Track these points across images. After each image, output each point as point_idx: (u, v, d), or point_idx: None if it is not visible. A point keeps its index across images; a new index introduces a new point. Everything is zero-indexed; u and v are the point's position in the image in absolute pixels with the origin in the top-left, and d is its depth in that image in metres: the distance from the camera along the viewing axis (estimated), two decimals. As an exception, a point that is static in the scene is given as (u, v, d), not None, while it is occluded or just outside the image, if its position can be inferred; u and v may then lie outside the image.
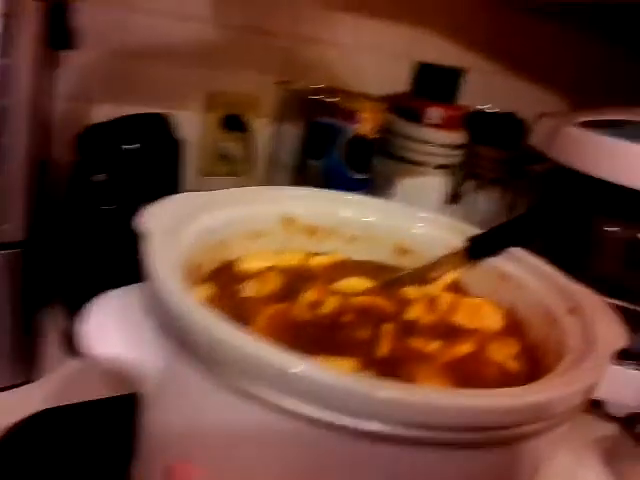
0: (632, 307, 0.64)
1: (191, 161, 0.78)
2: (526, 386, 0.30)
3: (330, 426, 0.27)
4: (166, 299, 0.31)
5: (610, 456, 0.59)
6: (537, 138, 0.74)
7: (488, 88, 0.97)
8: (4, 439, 0.47)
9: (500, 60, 0.98)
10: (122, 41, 0.68)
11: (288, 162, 0.82)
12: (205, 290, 0.40)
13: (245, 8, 0.74)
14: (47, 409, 0.51)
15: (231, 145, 0.79)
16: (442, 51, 0.91)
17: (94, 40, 0.64)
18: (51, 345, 0.60)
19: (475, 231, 0.49)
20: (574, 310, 0.40)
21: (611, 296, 0.64)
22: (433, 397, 0.27)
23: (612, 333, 0.35)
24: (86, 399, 0.53)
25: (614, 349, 0.34)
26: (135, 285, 0.37)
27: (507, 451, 0.30)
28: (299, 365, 0.26)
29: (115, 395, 0.53)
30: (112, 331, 0.34)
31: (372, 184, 0.81)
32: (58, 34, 0.47)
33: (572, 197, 0.70)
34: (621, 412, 0.63)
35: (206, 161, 0.80)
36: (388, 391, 0.26)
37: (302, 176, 0.80)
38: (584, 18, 0.99)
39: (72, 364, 0.58)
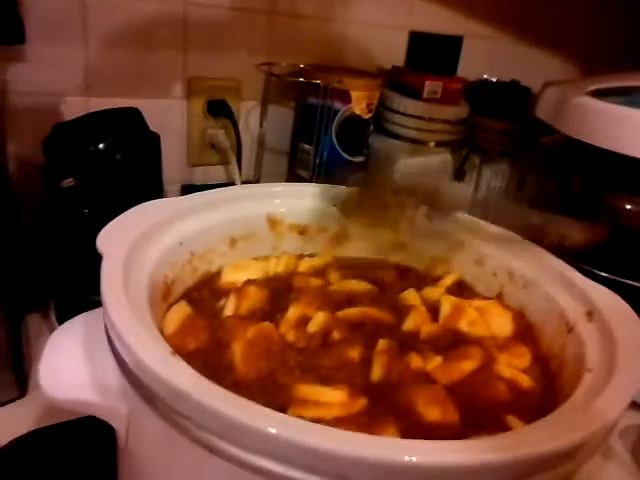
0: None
1: (179, 152, 0.74)
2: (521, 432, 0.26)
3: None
4: (120, 342, 0.27)
5: (636, 448, 0.55)
6: (543, 109, 0.68)
7: (489, 56, 0.91)
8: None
9: (501, 25, 0.91)
10: (87, 27, 0.63)
11: (279, 147, 0.77)
12: (179, 311, 0.36)
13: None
14: (36, 430, 0.48)
15: (218, 132, 0.74)
16: (440, 19, 0.84)
17: (55, 29, 0.59)
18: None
19: (479, 223, 0.45)
20: (592, 314, 0.35)
21: (629, 278, 0.60)
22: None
23: (637, 345, 0.31)
24: (78, 413, 0.50)
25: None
26: (98, 310, 0.33)
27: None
28: (266, 424, 0.23)
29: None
30: (72, 373, 0.31)
31: (370, 166, 0.76)
32: (4, 27, 0.42)
33: (587, 171, 0.65)
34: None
35: (194, 151, 0.75)
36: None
37: (294, 161, 0.76)
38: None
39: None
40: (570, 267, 0.40)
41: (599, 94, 0.61)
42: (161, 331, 0.32)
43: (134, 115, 0.54)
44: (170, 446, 0.27)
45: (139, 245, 0.35)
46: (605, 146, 0.56)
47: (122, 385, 0.28)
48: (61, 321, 0.58)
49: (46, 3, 0.58)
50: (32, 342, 0.59)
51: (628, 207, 0.60)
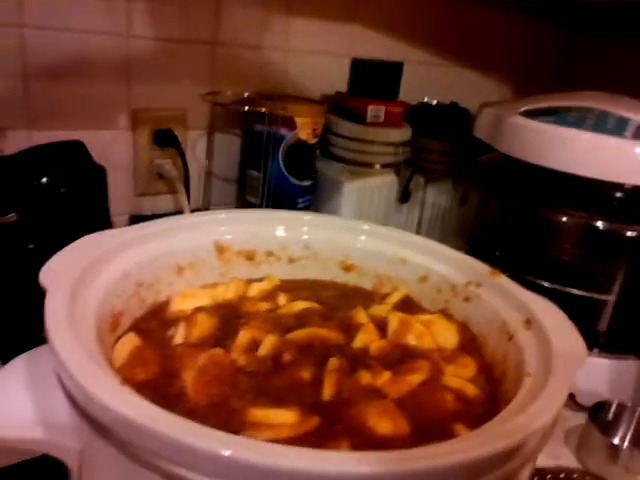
0: (592, 295, 0.63)
1: (126, 182, 0.73)
2: (471, 436, 0.27)
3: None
4: (68, 377, 0.27)
5: (580, 448, 0.57)
6: (481, 129, 0.71)
7: (429, 80, 0.94)
8: None
9: (439, 51, 0.95)
10: (27, 60, 0.62)
11: (228, 175, 0.78)
12: (128, 343, 0.36)
13: (164, 18, 0.69)
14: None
15: (165, 162, 0.74)
16: (381, 46, 0.87)
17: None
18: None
19: (415, 239, 0.47)
20: (530, 322, 0.37)
21: (568, 286, 0.63)
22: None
23: (571, 350, 0.33)
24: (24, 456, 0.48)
25: (574, 369, 0.31)
26: (43, 348, 0.33)
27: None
28: (219, 447, 0.23)
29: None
30: (19, 410, 0.30)
31: (318, 190, 0.77)
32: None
33: (522, 187, 0.68)
34: (589, 401, 0.61)
35: (141, 181, 0.75)
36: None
37: (244, 188, 0.76)
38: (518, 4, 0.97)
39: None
40: (509, 279, 0.42)
41: (531, 114, 0.64)
42: (110, 364, 0.32)
43: (78, 148, 0.54)
44: (127, 477, 0.27)
45: (84, 278, 0.35)
46: (538, 162, 0.59)
47: (73, 421, 0.28)
48: (5, 360, 0.56)
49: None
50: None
51: (563, 219, 0.63)
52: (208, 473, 0.24)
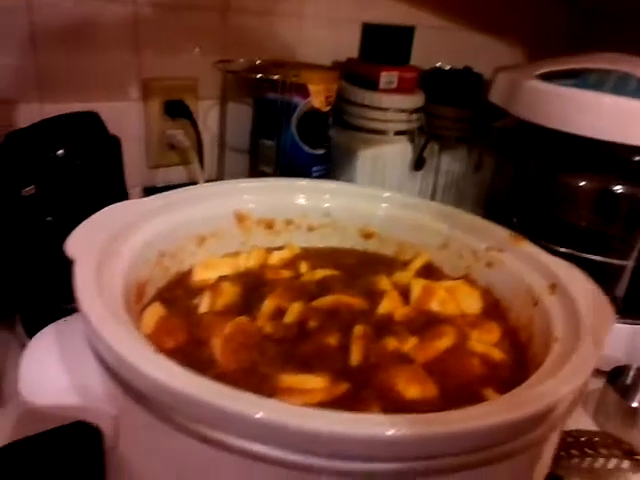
0: (609, 261, 0.62)
1: (139, 154, 0.73)
2: (513, 395, 0.27)
3: (296, 467, 0.24)
4: (103, 343, 0.27)
5: (599, 412, 0.57)
6: (496, 94, 0.70)
7: (441, 45, 0.93)
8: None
9: (452, 15, 0.93)
10: (35, 32, 0.61)
11: (241, 145, 0.77)
12: (154, 312, 0.36)
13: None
14: (12, 443, 0.47)
15: (177, 132, 0.74)
16: (392, 10, 0.85)
17: (2, 36, 0.58)
18: (14, 366, 0.56)
19: (435, 205, 0.46)
20: (554, 287, 0.37)
21: (586, 252, 0.62)
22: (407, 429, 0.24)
23: (599, 313, 0.33)
24: (56, 421, 0.49)
25: (604, 333, 0.31)
26: (78, 315, 0.33)
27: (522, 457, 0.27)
28: (253, 410, 0.23)
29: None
30: (53, 376, 0.30)
31: (332, 158, 0.77)
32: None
33: (539, 152, 0.67)
34: (608, 366, 0.62)
35: (154, 153, 0.74)
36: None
37: (257, 158, 0.76)
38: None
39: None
40: (532, 244, 0.42)
41: (549, 77, 0.63)
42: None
43: (92, 119, 0.54)
44: (162, 440, 0.27)
45: (109, 248, 0.35)
46: (557, 127, 0.58)
47: (107, 387, 0.29)
48: (30, 333, 0.57)
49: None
50: (2, 356, 0.58)
51: (581, 184, 0.63)
52: (242, 435, 0.24)
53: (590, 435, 0.50)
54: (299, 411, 0.25)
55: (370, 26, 0.82)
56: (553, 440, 0.30)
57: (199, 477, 0.27)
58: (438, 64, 0.90)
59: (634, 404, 0.55)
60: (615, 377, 0.57)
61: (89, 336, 0.29)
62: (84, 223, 0.35)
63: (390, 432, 0.24)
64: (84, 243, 0.33)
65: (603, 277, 0.64)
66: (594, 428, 0.55)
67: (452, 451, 0.24)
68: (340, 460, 0.24)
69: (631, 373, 0.57)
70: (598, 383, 0.60)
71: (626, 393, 0.56)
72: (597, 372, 0.62)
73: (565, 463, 0.45)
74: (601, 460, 0.46)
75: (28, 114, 0.61)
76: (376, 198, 0.48)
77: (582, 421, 0.57)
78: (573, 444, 0.47)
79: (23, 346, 0.57)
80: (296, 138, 0.71)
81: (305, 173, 0.73)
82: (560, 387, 0.27)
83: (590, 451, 0.47)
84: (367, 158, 0.76)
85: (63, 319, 0.34)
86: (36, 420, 0.49)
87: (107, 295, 0.31)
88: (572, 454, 0.46)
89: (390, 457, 0.24)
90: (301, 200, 0.47)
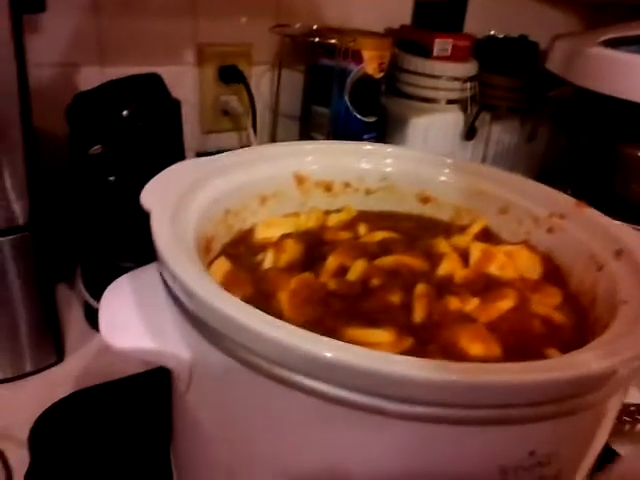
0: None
1: (192, 119, 0.74)
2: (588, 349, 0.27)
3: (368, 408, 0.25)
4: (183, 288, 0.28)
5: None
6: (554, 62, 0.68)
7: (495, 12, 0.90)
8: (36, 426, 0.45)
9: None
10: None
11: (293, 111, 0.78)
12: (221, 266, 0.37)
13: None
14: (75, 392, 0.50)
15: (231, 98, 0.75)
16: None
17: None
18: (75, 321, 0.60)
19: (495, 171, 0.46)
20: (620, 253, 0.37)
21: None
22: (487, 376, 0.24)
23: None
24: (116, 375, 0.52)
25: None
26: (152, 265, 0.34)
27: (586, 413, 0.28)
28: (327, 351, 0.24)
29: (147, 370, 0.52)
30: (131, 321, 0.32)
31: (384, 126, 0.77)
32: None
33: (598, 122, 0.66)
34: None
35: (207, 118, 0.76)
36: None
37: (308, 124, 0.76)
38: None
39: (99, 338, 0.56)
40: (595, 210, 0.41)
41: (612, 44, 0.62)
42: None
43: (155, 81, 0.55)
44: (234, 382, 0.28)
45: (180, 202, 0.36)
46: (622, 96, 0.57)
47: (183, 329, 0.30)
48: (90, 289, 0.59)
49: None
50: (63, 310, 0.61)
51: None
52: (313, 376, 0.25)
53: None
54: (369, 353, 0.25)
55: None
56: (615, 404, 0.30)
57: (268, 418, 0.28)
58: (492, 32, 0.88)
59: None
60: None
61: (167, 279, 0.30)
62: (157, 177, 0.37)
63: (455, 378, 0.24)
64: (159, 196, 0.34)
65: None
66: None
67: (515, 401, 0.25)
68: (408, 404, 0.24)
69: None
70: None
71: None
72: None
73: (617, 429, 0.45)
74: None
75: (89, 77, 0.63)
76: (436, 163, 0.48)
77: (632, 393, 0.56)
78: (623, 412, 0.47)
79: (84, 302, 0.60)
80: (348, 105, 0.71)
81: (356, 140, 0.73)
82: (625, 349, 0.27)
83: (641, 417, 0.47)
84: (419, 126, 0.76)
85: (135, 270, 0.36)
86: (96, 374, 0.52)
87: (181, 244, 0.32)
88: (624, 420, 0.46)
89: (454, 403, 0.24)
90: (362, 164, 0.47)
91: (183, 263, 0.29)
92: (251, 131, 0.73)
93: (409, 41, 0.77)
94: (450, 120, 0.78)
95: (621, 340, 0.27)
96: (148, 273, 0.33)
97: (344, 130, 0.71)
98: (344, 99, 0.70)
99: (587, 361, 0.25)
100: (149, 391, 0.49)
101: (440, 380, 0.23)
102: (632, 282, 0.33)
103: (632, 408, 0.50)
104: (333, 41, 0.65)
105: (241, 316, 0.26)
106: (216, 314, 0.27)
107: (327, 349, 0.24)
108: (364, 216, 0.47)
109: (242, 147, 0.77)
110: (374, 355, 0.25)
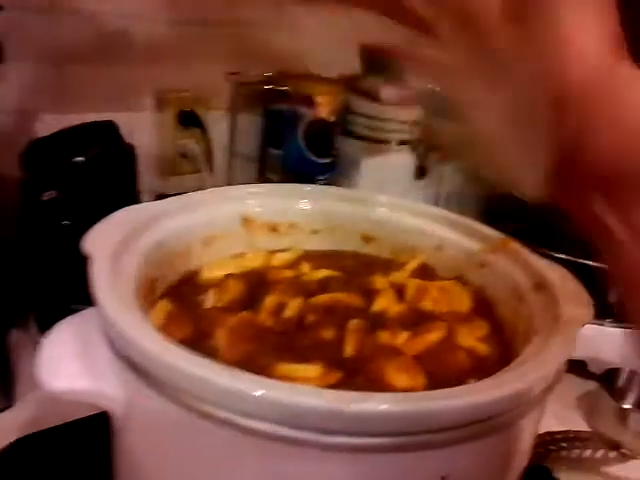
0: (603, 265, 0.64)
1: (151, 163, 0.76)
2: (488, 380, 0.29)
3: (295, 442, 0.26)
4: (116, 330, 0.30)
5: (591, 413, 0.59)
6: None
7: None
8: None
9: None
10: (55, 45, 0.65)
11: (249, 153, 0.80)
12: (163, 307, 0.39)
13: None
14: (23, 437, 0.50)
15: (189, 142, 0.77)
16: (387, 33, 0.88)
17: (24, 48, 0.62)
18: (27, 366, 0.59)
19: (430, 209, 0.49)
20: (540, 286, 0.39)
21: (581, 257, 0.64)
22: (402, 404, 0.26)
23: (578, 310, 0.35)
24: (67, 419, 0.52)
25: (579, 327, 0.33)
26: (92, 309, 0.35)
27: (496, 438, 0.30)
28: (255, 388, 0.26)
29: (95, 413, 0.52)
30: (68, 363, 0.33)
31: (337, 167, 0.79)
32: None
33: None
34: (600, 369, 0.63)
35: (166, 161, 0.78)
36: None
37: (264, 166, 0.79)
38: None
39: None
40: (520, 245, 0.44)
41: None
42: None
43: (110, 128, 0.57)
44: (170, 421, 0.29)
45: (123, 247, 0.37)
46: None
47: (119, 372, 0.31)
48: (43, 332, 0.59)
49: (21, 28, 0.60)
50: (16, 356, 0.60)
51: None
52: (244, 413, 0.26)
53: (581, 434, 0.52)
54: (297, 388, 0.27)
55: (368, 47, 0.84)
56: (530, 427, 0.32)
57: (201, 455, 0.30)
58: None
59: (626, 406, 0.57)
60: (608, 379, 0.59)
61: (104, 325, 0.32)
62: (100, 223, 0.38)
63: (381, 407, 0.26)
64: (100, 241, 0.36)
65: (598, 282, 0.66)
66: (587, 429, 0.57)
67: (434, 427, 0.27)
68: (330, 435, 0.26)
69: (623, 376, 0.59)
70: (592, 386, 0.62)
71: (618, 395, 0.58)
72: (590, 375, 0.63)
73: (554, 455, 0.47)
74: (588, 452, 0.48)
75: (47, 123, 0.64)
76: (373, 203, 0.50)
77: (575, 422, 0.58)
78: (563, 440, 0.49)
79: (36, 345, 0.60)
80: (302, 147, 0.74)
81: (310, 181, 0.76)
82: (531, 373, 0.29)
83: (579, 444, 0.49)
84: (371, 166, 0.78)
85: (76, 314, 0.37)
86: (46, 420, 0.52)
87: (120, 289, 0.33)
88: (561, 447, 0.48)
89: (375, 432, 0.26)
90: (305, 205, 0.50)
91: (119, 308, 0.30)
92: (206, 174, 0.75)
93: (359, 87, 0.81)
94: (401, 161, 0.81)
95: (522, 368, 0.29)
96: (87, 319, 0.34)
97: (297, 171, 0.74)
98: (297, 141, 0.73)
99: (484, 387, 0.27)
100: (96, 435, 0.49)
101: (337, 410, 0.25)
102: (546, 315, 0.36)
103: (558, 436, 0.52)
104: (285, 88, 0.69)
105: (168, 357, 0.27)
106: (149, 358, 0.28)
107: (247, 385, 0.26)
108: (309, 255, 0.49)
109: (200, 189, 0.79)
110: (281, 386, 0.27)
